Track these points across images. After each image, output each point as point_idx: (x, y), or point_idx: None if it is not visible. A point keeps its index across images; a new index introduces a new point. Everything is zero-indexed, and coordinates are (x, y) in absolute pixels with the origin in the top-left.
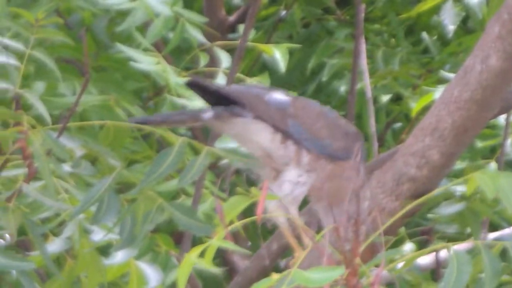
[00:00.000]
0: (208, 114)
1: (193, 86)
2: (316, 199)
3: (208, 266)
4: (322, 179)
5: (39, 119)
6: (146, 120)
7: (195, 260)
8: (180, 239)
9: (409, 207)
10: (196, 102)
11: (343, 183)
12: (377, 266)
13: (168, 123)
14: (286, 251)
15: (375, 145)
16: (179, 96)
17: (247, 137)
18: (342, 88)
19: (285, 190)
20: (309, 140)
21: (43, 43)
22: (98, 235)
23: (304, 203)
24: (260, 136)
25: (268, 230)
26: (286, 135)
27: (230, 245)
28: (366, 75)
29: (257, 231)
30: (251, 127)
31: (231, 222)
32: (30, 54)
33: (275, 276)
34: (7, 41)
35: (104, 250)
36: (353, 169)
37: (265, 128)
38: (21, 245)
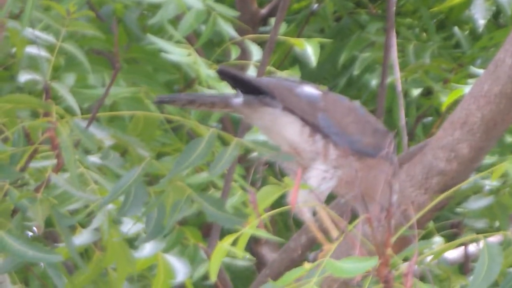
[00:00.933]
0: (238, 100)
1: (224, 75)
2: (344, 194)
3: (240, 254)
4: (351, 176)
5: (69, 111)
6: (175, 98)
7: (227, 248)
8: (208, 232)
9: (437, 199)
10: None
11: (372, 180)
12: (406, 259)
13: (197, 103)
14: (314, 245)
15: (405, 139)
16: (210, 88)
17: (275, 130)
18: (373, 82)
19: (312, 185)
20: (338, 134)
21: (74, 35)
22: (127, 227)
23: (330, 198)
24: (289, 129)
25: (297, 222)
26: (315, 129)
27: (263, 234)
28: (397, 69)
29: (288, 222)
30: (280, 119)
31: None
32: (61, 46)
33: (307, 266)
34: (38, 33)
35: (133, 243)
36: (385, 162)
37: (295, 121)
38: (50, 236)
